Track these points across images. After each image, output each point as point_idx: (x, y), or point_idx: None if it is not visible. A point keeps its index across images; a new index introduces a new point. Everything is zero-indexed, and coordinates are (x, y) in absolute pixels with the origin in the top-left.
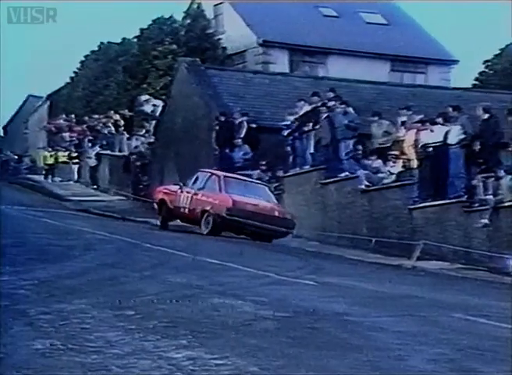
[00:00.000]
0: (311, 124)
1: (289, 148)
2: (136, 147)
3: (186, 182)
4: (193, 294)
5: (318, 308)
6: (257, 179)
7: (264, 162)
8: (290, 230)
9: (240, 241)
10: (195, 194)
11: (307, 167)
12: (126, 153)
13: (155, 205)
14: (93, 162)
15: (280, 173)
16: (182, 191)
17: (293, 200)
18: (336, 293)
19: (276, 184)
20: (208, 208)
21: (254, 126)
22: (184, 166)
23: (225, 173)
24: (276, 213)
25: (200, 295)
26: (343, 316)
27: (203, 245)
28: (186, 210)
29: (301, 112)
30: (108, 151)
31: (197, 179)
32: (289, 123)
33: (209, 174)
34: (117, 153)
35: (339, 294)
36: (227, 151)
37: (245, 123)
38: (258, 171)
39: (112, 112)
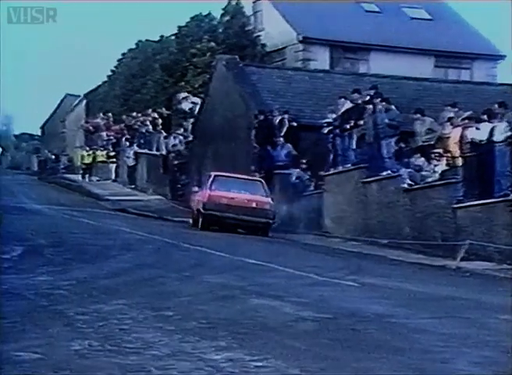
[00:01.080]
0: (352, 122)
1: (329, 146)
2: (174, 145)
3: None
4: (233, 295)
5: (360, 310)
6: (296, 178)
7: (304, 161)
8: (270, 220)
9: (278, 241)
10: (199, 196)
11: (348, 166)
12: (164, 152)
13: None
14: (131, 161)
15: (321, 172)
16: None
17: (334, 199)
18: (378, 294)
19: (317, 183)
20: (199, 206)
21: (294, 124)
22: (222, 164)
23: (218, 173)
24: (254, 205)
25: (240, 296)
26: (385, 318)
27: (242, 245)
28: (196, 211)
29: (342, 110)
30: (146, 150)
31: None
32: (329, 120)
33: (208, 175)
34: (155, 152)
35: (382, 295)
36: (269, 149)
37: (286, 121)
38: (298, 170)
39: (150, 110)
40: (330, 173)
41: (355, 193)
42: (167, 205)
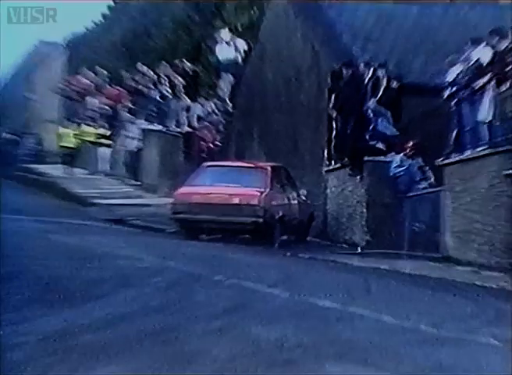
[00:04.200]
0: (488, 79)
1: (452, 119)
2: (202, 119)
3: None
4: (293, 360)
5: None
6: (398, 167)
7: (410, 143)
8: (259, 220)
9: (365, 269)
10: None
11: (481, 148)
12: (186, 129)
13: None
14: (135, 143)
15: (438, 160)
16: None
17: (459, 202)
18: None
19: (431, 176)
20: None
21: (394, 84)
22: (276, 148)
23: (210, 163)
24: (236, 200)
25: (305, 361)
26: None
27: (306, 277)
28: None
29: (473, 61)
30: (159, 127)
31: None
32: (452, 78)
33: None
34: (173, 129)
35: None
36: (355, 123)
37: (383, 80)
38: (401, 155)
39: (167, 64)
40: (452, 160)
41: (494, 192)
42: None
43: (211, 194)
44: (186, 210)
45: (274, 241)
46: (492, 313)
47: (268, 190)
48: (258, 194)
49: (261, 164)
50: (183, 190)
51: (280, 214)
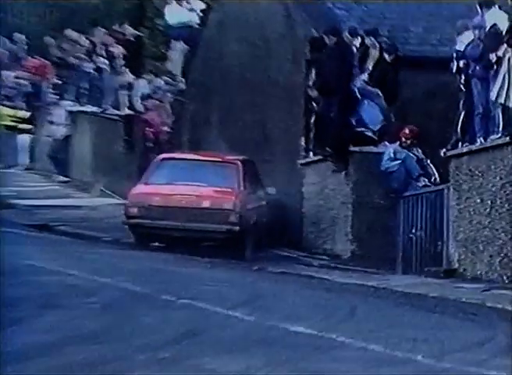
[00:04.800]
0: (504, 52)
1: (459, 99)
2: (147, 98)
3: None
4: None
5: None
6: (392, 160)
7: (408, 129)
8: (235, 228)
9: (347, 288)
10: None
11: (495, 137)
12: (128, 111)
13: None
14: (61, 129)
15: (442, 150)
16: None
17: (465, 202)
18: None
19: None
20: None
21: (386, 56)
22: (241, 137)
23: (167, 155)
24: (206, 203)
25: None
26: None
27: (275, 296)
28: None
29: (488, 27)
30: (94, 109)
31: None
32: (461, 49)
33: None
34: (111, 111)
35: None
36: (339, 105)
37: (374, 51)
38: (395, 145)
39: (103, 30)
40: (459, 151)
41: (508, 191)
42: None
43: (174, 195)
44: (143, 214)
45: (245, 252)
46: (504, 341)
47: (241, 190)
48: (233, 196)
49: (229, 158)
50: (139, 189)
51: (254, 219)
